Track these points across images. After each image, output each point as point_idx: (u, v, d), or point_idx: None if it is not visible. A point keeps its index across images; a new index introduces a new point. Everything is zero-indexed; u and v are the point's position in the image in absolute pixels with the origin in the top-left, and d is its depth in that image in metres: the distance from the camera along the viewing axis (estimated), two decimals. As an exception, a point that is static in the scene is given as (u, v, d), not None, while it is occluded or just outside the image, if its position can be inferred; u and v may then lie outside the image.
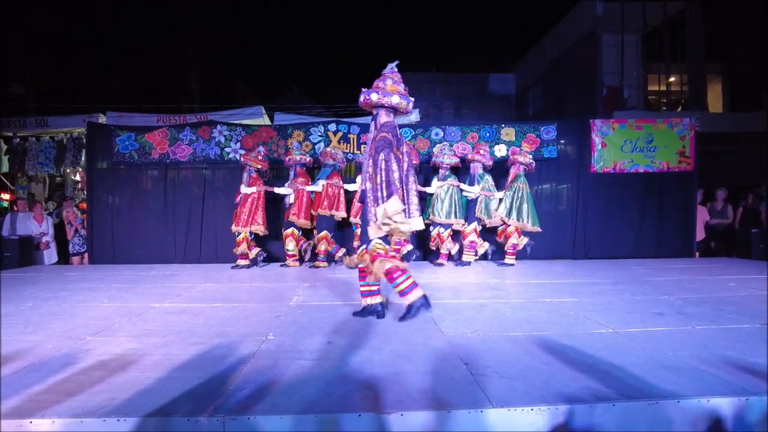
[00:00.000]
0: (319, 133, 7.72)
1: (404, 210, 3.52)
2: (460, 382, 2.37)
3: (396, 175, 3.49)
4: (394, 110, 3.75)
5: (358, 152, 7.66)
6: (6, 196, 10.01)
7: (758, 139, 12.73)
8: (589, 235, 7.92)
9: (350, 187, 6.93)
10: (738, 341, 3.05)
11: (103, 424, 1.99)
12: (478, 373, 2.47)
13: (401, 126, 7.98)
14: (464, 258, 6.94)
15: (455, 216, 6.84)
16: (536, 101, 18.39)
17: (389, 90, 3.65)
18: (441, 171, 7.01)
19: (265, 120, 9.76)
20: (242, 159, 6.84)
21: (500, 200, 6.87)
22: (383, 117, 3.73)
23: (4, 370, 2.59)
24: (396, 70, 3.81)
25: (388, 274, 3.54)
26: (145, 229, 7.76)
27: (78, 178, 10.85)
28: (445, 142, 7.51)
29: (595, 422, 2.07)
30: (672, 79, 15.01)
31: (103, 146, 7.79)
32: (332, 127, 7.80)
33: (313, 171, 7.42)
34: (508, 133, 7.82)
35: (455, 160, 7.04)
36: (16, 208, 8.15)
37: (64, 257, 8.51)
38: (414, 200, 3.74)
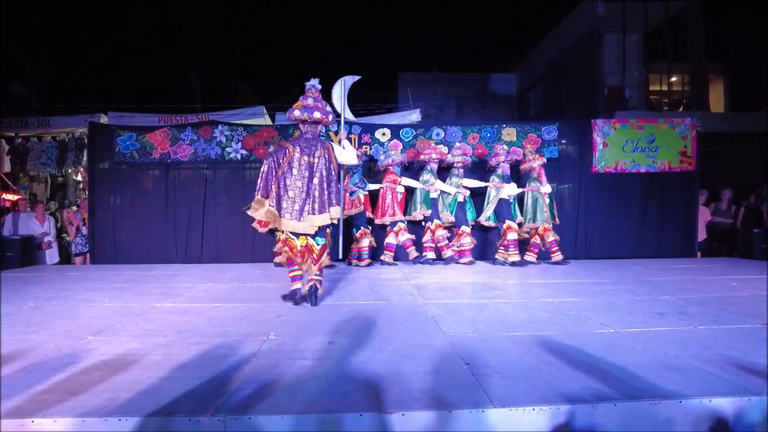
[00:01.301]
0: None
1: (287, 208, 4.09)
2: (461, 382, 2.37)
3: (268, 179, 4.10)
4: (314, 122, 4.32)
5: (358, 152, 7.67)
6: (13, 197, 9.98)
7: (760, 139, 12.70)
8: (590, 235, 7.91)
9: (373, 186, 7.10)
10: (740, 341, 3.05)
11: (104, 423, 2.00)
12: (480, 373, 2.47)
13: (402, 127, 7.99)
14: (510, 258, 6.80)
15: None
16: (537, 101, 18.36)
17: (294, 106, 4.23)
18: (458, 170, 7.04)
19: (266, 120, 9.77)
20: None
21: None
22: (301, 129, 4.40)
23: (6, 370, 2.59)
24: (310, 86, 4.38)
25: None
26: (147, 229, 7.75)
27: (79, 178, 10.86)
28: (458, 143, 7.52)
29: (597, 422, 2.07)
30: (673, 79, 15.00)
31: (105, 146, 7.79)
32: (333, 126, 7.77)
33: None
34: (509, 133, 7.81)
35: (468, 159, 7.11)
36: (17, 209, 8.16)
37: (65, 258, 8.54)
38: (324, 198, 4.17)
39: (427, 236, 6.99)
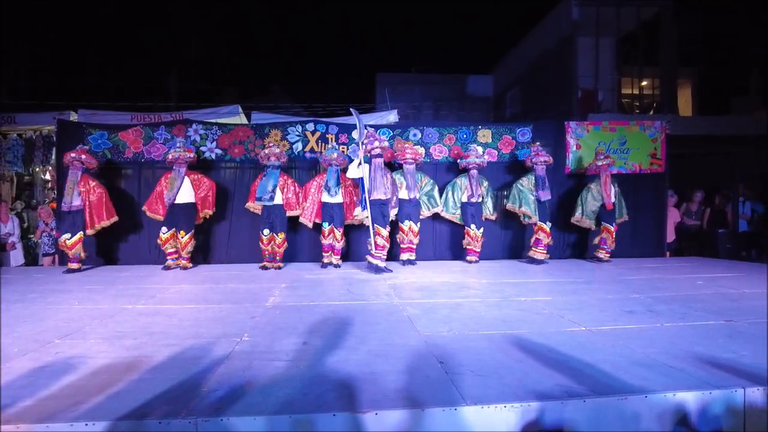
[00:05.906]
0: (297, 133, 7.65)
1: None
2: (435, 381, 2.39)
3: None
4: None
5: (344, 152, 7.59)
6: None
7: (726, 143, 13.09)
8: (564, 236, 8.04)
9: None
10: (705, 337, 3.15)
11: (70, 428, 1.95)
12: (453, 372, 2.50)
13: (379, 127, 8.01)
14: (536, 256, 7.13)
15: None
16: (514, 103, 18.58)
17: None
18: (472, 172, 7.13)
19: (242, 119, 9.64)
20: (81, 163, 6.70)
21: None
22: None
23: (-33, 375, 2.50)
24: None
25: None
26: (119, 229, 7.56)
27: (48, 177, 10.53)
28: (474, 144, 7.60)
29: (566, 418, 2.12)
30: (644, 83, 15.36)
31: (75, 144, 7.50)
32: (310, 126, 7.74)
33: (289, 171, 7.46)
34: (485, 134, 7.90)
35: (483, 159, 7.26)
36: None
37: (31, 260, 8.30)
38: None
39: (400, 236, 7.02)
